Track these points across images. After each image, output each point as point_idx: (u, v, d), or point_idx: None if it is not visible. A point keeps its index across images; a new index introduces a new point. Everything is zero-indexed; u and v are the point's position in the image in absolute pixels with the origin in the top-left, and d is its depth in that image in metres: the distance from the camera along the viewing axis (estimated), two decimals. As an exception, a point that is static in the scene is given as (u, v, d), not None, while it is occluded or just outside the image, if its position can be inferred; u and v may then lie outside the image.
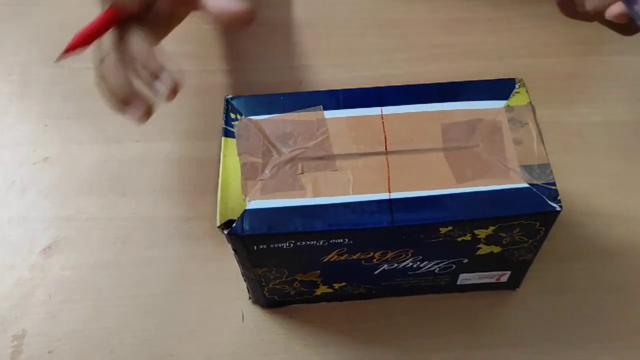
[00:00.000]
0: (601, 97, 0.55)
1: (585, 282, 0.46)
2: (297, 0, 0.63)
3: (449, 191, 0.37)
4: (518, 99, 0.40)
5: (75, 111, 0.57)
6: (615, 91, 0.56)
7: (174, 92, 0.39)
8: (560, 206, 0.36)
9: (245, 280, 0.42)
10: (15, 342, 0.43)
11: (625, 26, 0.40)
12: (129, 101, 0.41)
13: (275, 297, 0.44)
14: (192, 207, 0.50)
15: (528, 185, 0.37)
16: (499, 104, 0.40)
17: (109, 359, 0.43)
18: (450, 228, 0.37)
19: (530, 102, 0.40)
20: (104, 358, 0.43)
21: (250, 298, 0.45)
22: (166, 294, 0.46)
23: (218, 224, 0.36)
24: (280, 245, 0.37)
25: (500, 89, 0.40)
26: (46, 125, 0.56)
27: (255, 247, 0.37)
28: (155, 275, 0.47)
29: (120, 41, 0.41)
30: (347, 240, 0.37)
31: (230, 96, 0.40)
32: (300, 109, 0.40)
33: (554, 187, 0.37)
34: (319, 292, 0.43)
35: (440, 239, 0.38)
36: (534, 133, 0.39)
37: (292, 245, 0.37)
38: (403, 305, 0.45)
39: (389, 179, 0.37)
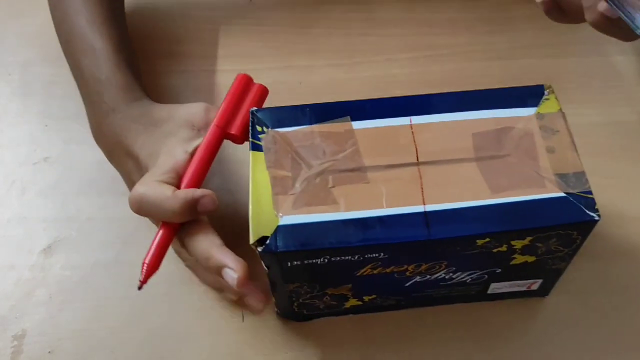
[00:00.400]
0: (601, 97, 0.55)
1: (584, 283, 0.46)
2: (297, 1, 0.63)
3: (484, 202, 0.36)
4: (548, 105, 0.39)
5: (75, 111, 0.56)
6: (615, 91, 0.56)
7: (240, 285, 0.38)
8: (599, 215, 0.36)
9: (273, 294, 0.41)
10: (15, 342, 0.43)
11: (621, 32, 0.39)
12: (221, 290, 0.43)
13: (304, 310, 0.43)
14: (192, 207, 0.50)
15: (564, 195, 0.36)
16: (529, 111, 0.39)
17: (109, 359, 0.43)
18: (487, 240, 0.36)
19: (561, 109, 0.39)
20: (104, 358, 0.43)
21: (277, 312, 0.44)
22: (166, 294, 0.46)
23: (251, 241, 0.35)
24: (314, 261, 0.36)
25: (529, 95, 0.40)
26: (46, 125, 0.56)
27: (289, 263, 0.36)
28: (155, 275, 0.47)
29: (183, 246, 0.41)
30: (382, 254, 0.36)
31: (255, 108, 0.40)
32: (327, 120, 0.39)
33: (590, 196, 0.36)
34: (348, 304, 0.43)
35: (476, 251, 0.37)
36: (567, 141, 0.38)
37: (326, 260, 0.36)
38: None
39: (422, 191, 0.37)
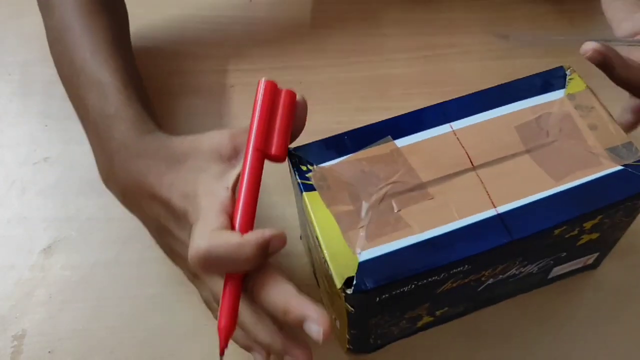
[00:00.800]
0: (601, 97, 0.55)
1: (584, 282, 0.46)
2: (297, 0, 0.63)
3: (552, 192, 0.36)
4: (575, 85, 0.40)
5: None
6: (615, 91, 0.56)
7: (325, 338, 0.31)
8: None
9: (349, 334, 0.39)
10: (15, 342, 0.43)
11: None
12: (250, 349, 0.37)
13: (379, 340, 0.42)
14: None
15: (622, 167, 0.37)
16: (559, 94, 0.40)
17: (109, 359, 0.43)
18: (564, 228, 0.36)
19: (588, 86, 0.40)
20: (104, 358, 0.43)
21: (349, 348, 0.42)
22: (166, 294, 0.46)
23: (338, 286, 0.33)
24: (402, 289, 0.35)
25: (553, 79, 0.40)
26: (46, 125, 0.56)
27: (377, 298, 0.35)
28: (155, 275, 0.47)
29: (253, 300, 0.35)
30: (466, 266, 0.35)
31: (293, 148, 0.37)
32: (368, 144, 0.38)
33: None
34: (420, 323, 0.42)
35: (551, 240, 0.37)
36: (605, 115, 0.39)
37: (413, 286, 0.35)
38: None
39: (488, 194, 0.36)
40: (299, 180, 0.37)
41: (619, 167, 0.37)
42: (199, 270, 0.35)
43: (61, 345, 0.43)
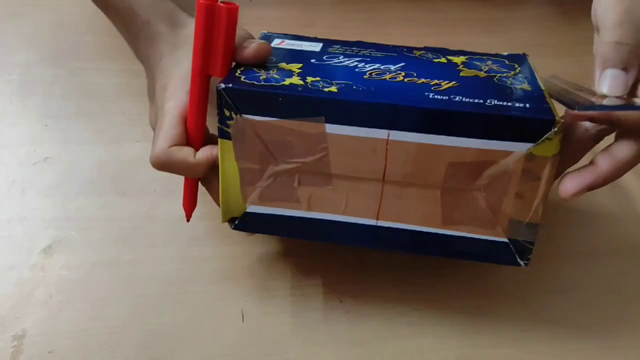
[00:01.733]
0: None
1: (582, 282, 0.46)
2: (297, 0, 0.63)
3: (432, 230, 0.39)
4: (545, 147, 0.35)
5: (75, 111, 0.57)
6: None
7: None
8: (526, 264, 0.39)
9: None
10: (15, 342, 0.43)
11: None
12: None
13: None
14: (192, 207, 0.50)
15: (507, 241, 0.38)
16: (523, 146, 0.35)
17: (109, 359, 0.43)
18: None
19: (556, 154, 0.36)
20: (104, 358, 0.43)
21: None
22: (166, 294, 0.46)
23: (223, 222, 0.41)
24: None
25: (533, 128, 0.35)
26: (46, 125, 0.56)
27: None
28: (155, 275, 0.47)
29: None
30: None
31: (223, 86, 0.36)
32: (300, 116, 0.36)
33: (530, 246, 0.38)
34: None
35: None
36: (541, 192, 0.36)
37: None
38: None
39: (379, 207, 0.39)
40: (218, 124, 0.38)
41: (504, 240, 0.38)
42: (157, 169, 0.42)
43: (61, 345, 0.43)
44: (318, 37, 0.46)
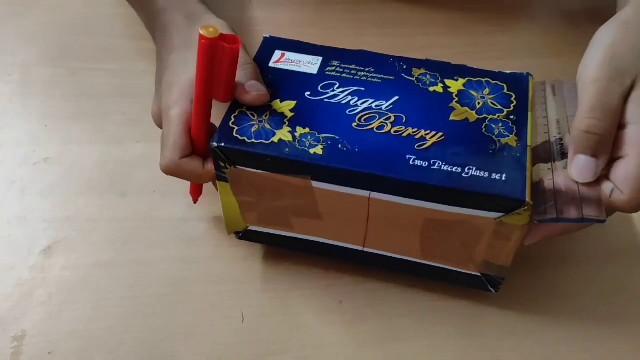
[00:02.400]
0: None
1: (583, 285, 0.46)
2: (297, 1, 0.63)
3: (412, 259, 0.43)
4: (515, 218, 0.37)
5: (75, 111, 0.57)
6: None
7: None
8: (497, 290, 0.43)
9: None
10: (15, 343, 0.43)
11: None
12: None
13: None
14: (192, 207, 0.50)
15: (479, 275, 0.43)
16: (494, 215, 0.37)
17: (109, 359, 0.43)
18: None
19: (526, 224, 0.38)
20: (104, 358, 0.43)
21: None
22: (166, 294, 0.46)
23: (229, 234, 0.46)
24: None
25: (504, 204, 0.37)
26: (46, 125, 0.56)
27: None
28: (155, 275, 0.47)
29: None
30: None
31: (216, 145, 0.39)
32: (289, 173, 0.39)
33: (501, 279, 0.43)
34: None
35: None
36: (511, 247, 0.39)
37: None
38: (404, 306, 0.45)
39: (365, 239, 0.43)
40: (215, 171, 0.41)
41: (477, 274, 0.43)
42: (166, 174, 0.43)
43: (61, 345, 0.43)
44: (318, 42, 0.46)
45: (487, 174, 0.37)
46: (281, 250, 0.47)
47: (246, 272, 0.47)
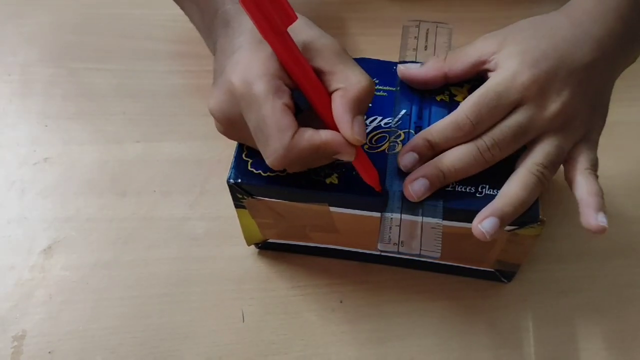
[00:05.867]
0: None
1: (584, 282, 0.46)
2: (297, 1, 0.63)
3: (432, 260, 0.40)
4: (530, 231, 0.39)
5: (75, 111, 0.57)
6: (614, 91, 0.56)
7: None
8: (508, 281, 0.45)
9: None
10: (15, 343, 0.43)
11: None
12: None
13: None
14: (192, 207, 0.50)
15: (493, 270, 0.44)
16: (509, 227, 0.39)
17: (109, 359, 0.43)
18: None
19: (539, 234, 0.39)
20: (104, 358, 0.43)
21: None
22: (166, 294, 0.46)
23: (249, 245, 0.47)
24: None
25: (520, 220, 0.37)
26: (46, 125, 0.56)
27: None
28: (155, 275, 0.47)
29: None
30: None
31: (232, 182, 0.39)
32: (306, 202, 0.39)
33: (513, 272, 0.44)
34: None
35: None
36: (524, 252, 0.41)
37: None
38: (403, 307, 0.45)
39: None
40: (233, 201, 0.41)
41: (491, 269, 0.44)
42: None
43: (61, 345, 0.43)
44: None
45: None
46: (281, 250, 0.47)
47: (246, 272, 0.47)
